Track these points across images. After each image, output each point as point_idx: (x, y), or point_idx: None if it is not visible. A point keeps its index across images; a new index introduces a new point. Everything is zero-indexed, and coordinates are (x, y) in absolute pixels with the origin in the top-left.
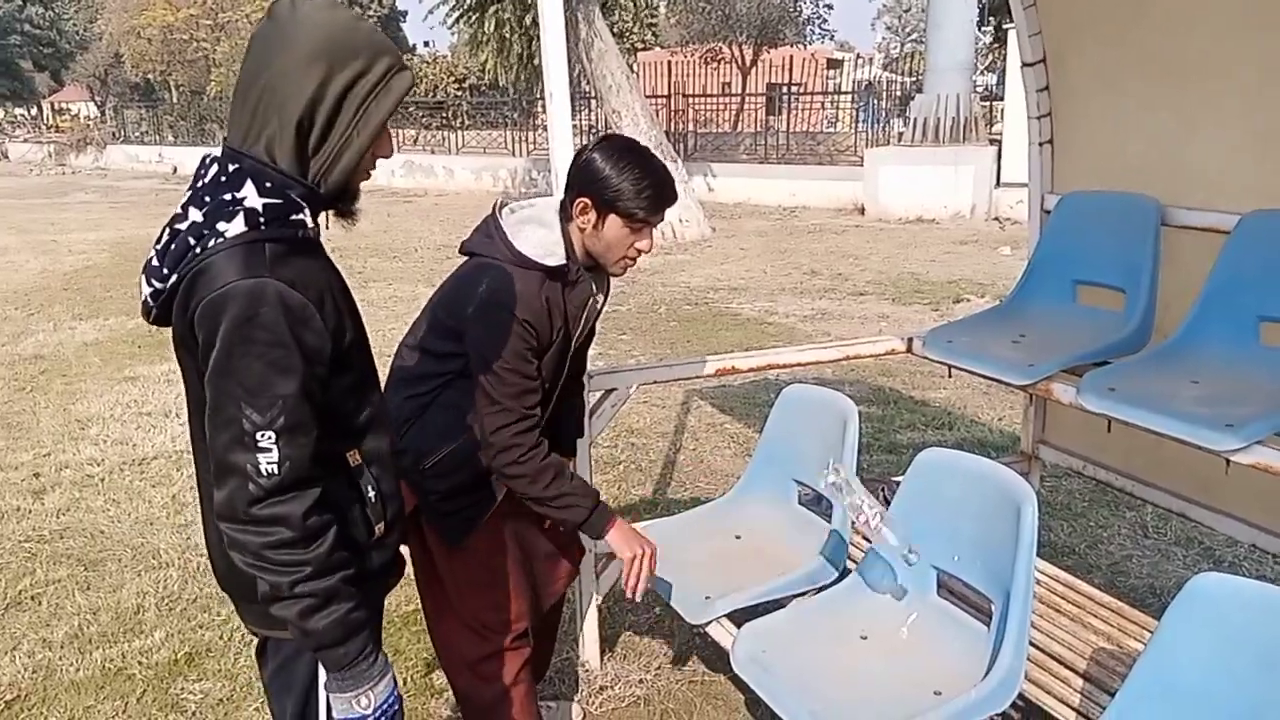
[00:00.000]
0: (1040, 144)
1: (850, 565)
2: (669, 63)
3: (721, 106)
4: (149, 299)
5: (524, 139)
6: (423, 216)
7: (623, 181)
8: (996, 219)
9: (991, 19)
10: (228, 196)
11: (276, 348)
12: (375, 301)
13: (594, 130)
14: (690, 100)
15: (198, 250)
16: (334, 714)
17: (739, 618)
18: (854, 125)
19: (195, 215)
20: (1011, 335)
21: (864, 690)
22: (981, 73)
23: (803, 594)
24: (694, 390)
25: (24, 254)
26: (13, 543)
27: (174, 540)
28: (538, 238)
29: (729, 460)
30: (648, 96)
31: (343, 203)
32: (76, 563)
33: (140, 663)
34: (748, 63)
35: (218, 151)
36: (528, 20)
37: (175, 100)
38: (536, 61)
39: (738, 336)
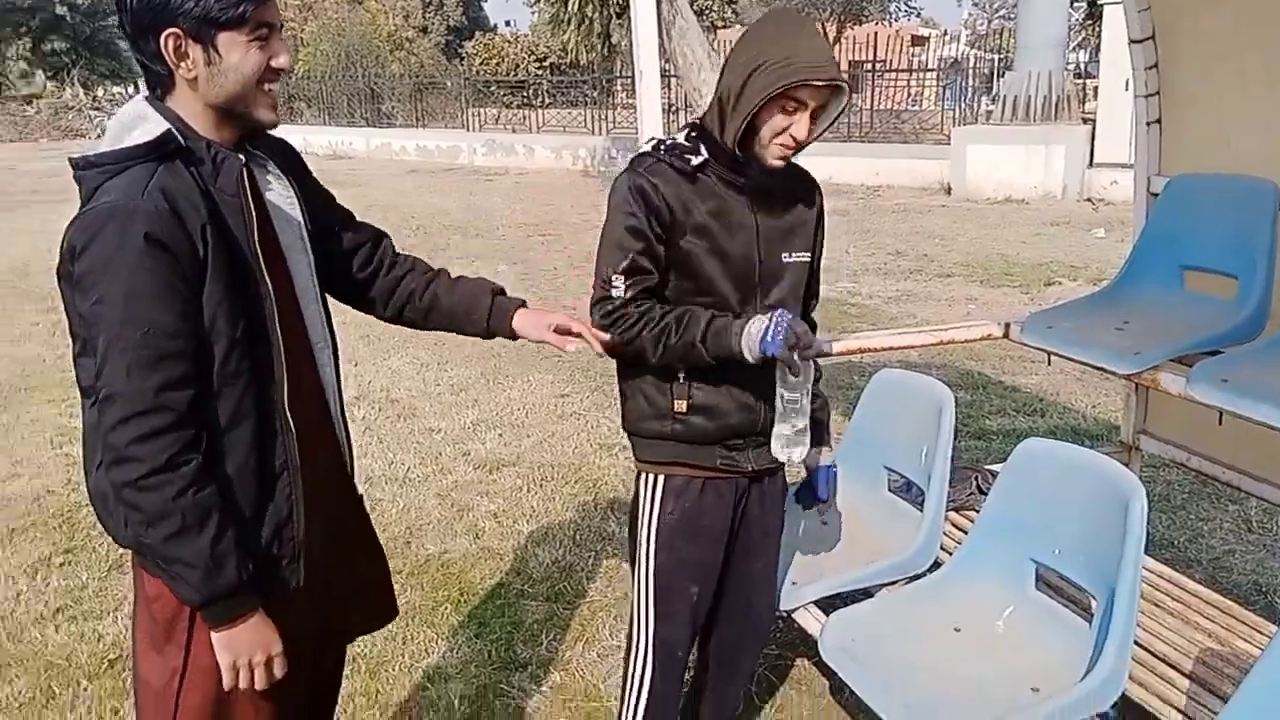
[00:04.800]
0: (1148, 124)
1: (943, 555)
2: None
3: None
4: None
5: (603, 117)
6: (504, 195)
7: None
8: (1089, 200)
9: None
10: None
11: None
12: None
13: (674, 109)
14: None
15: None
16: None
17: (825, 604)
18: (939, 103)
19: None
20: (1115, 322)
21: (958, 684)
22: (1074, 49)
23: (892, 583)
24: None
25: None
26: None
27: None
28: None
29: None
30: None
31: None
32: None
33: None
34: (831, 40)
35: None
36: None
37: None
38: (616, 40)
39: (818, 316)
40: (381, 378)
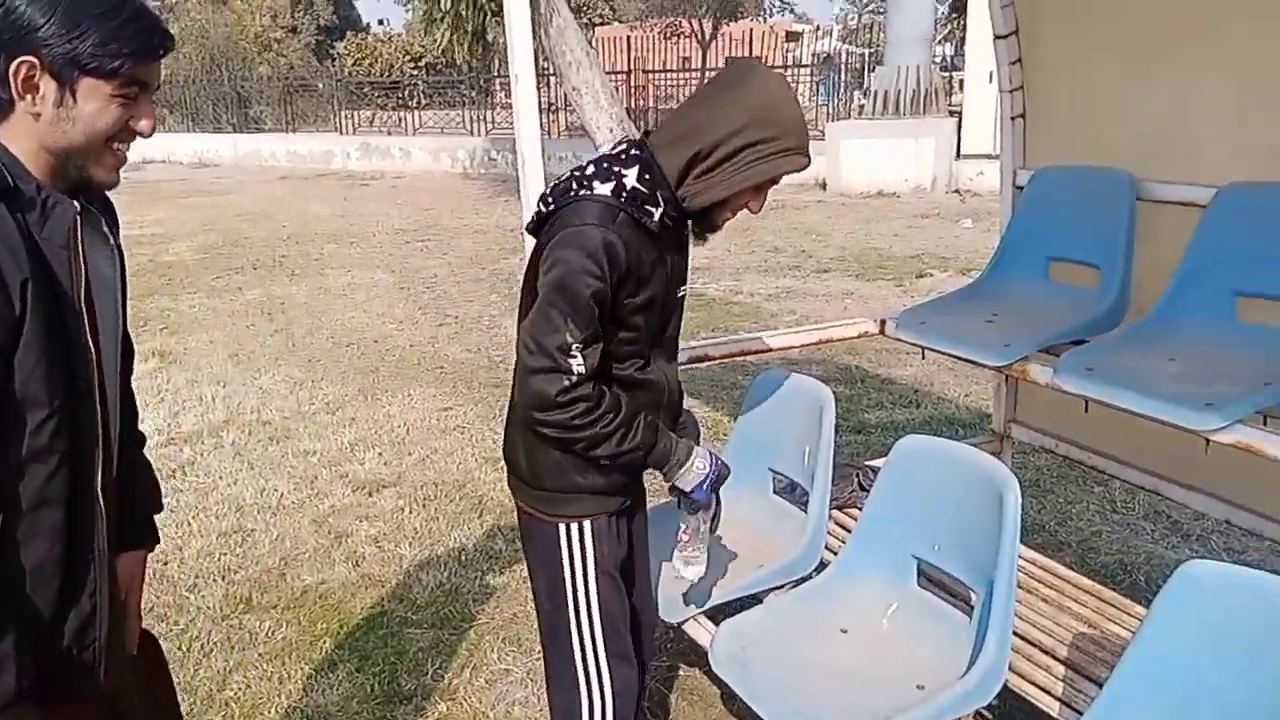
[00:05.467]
0: (1013, 118)
1: (828, 555)
2: (628, 38)
3: (682, 82)
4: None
5: (482, 118)
6: (380, 200)
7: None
8: (957, 191)
9: None
10: (615, 168)
11: None
12: (333, 290)
13: (553, 108)
14: (650, 76)
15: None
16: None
17: (714, 610)
18: (813, 98)
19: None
20: (985, 314)
21: (846, 686)
22: (939, 43)
23: (779, 587)
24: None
25: None
26: None
27: None
28: None
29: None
30: (607, 73)
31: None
32: None
33: None
34: (707, 37)
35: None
36: None
37: None
38: (491, 38)
39: (703, 317)
40: (252, 398)
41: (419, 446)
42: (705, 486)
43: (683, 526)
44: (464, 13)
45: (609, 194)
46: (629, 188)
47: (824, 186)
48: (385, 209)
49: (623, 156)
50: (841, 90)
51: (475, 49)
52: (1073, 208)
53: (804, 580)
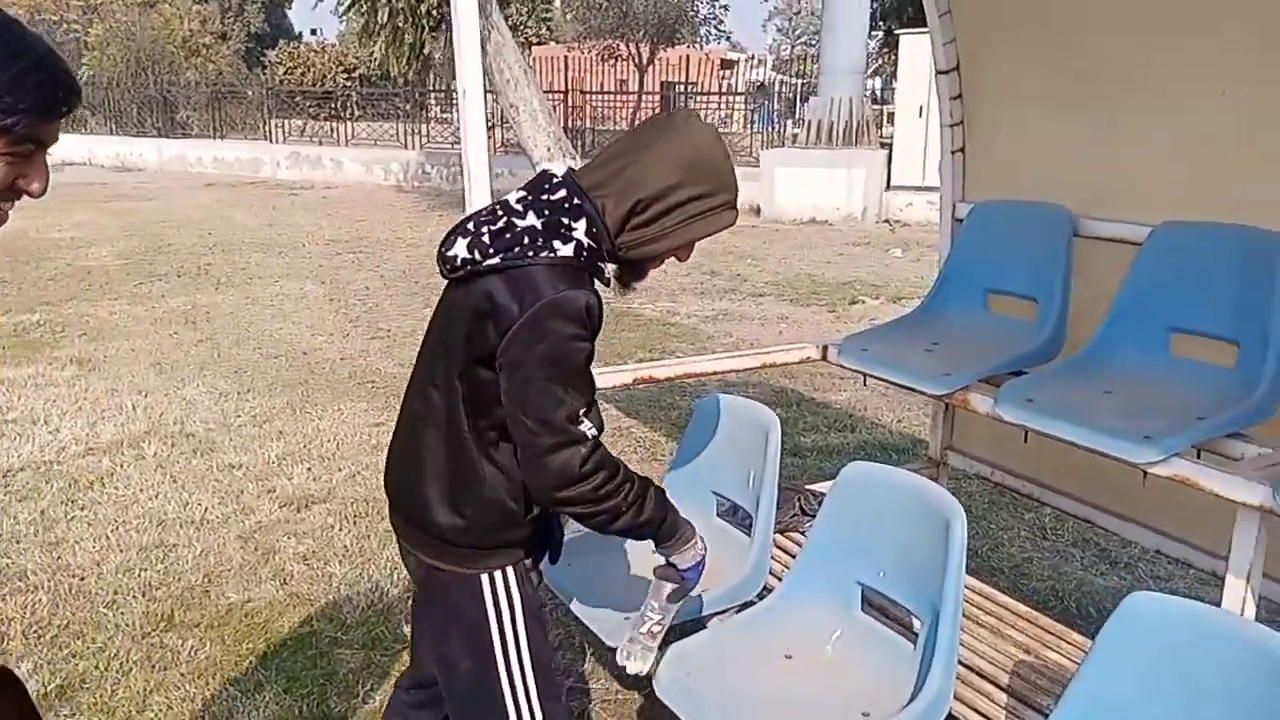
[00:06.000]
0: (953, 152)
1: (772, 581)
2: (565, 58)
3: (619, 104)
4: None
5: (416, 131)
6: (310, 210)
7: None
8: (887, 221)
9: (882, 23)
10: (565, 221)
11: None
12: (260, 300)
13: (491, 126)
14: (588, 97)
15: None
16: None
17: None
18: (748, 126)
19: (532, 221)
20: (925, 344)
21: (790, 713)
22: (870, 76)
23: (723, 611)
24: (599, 393)
25: None
26: None
27: (43, 560)
28: None
29: (637, 467)
30: (544, 92)
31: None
32: None
33: None
34: (644, 61)
35: (559, 172)
36: (422, 9)
37: None
38: (428, 51)
39: (640, 337)
40: (175, 409)
41: (349, 462)
42: (701, 567)
43: (654, 612)
44: (401, 26)
45: (572, 255)
46: (586, 246)
47: (758, 212)
48: (316, 220)
49: (566, 206)
50: (775, 119)
51: (413, 63)
52: (1011, 241)
53: (748, 605)
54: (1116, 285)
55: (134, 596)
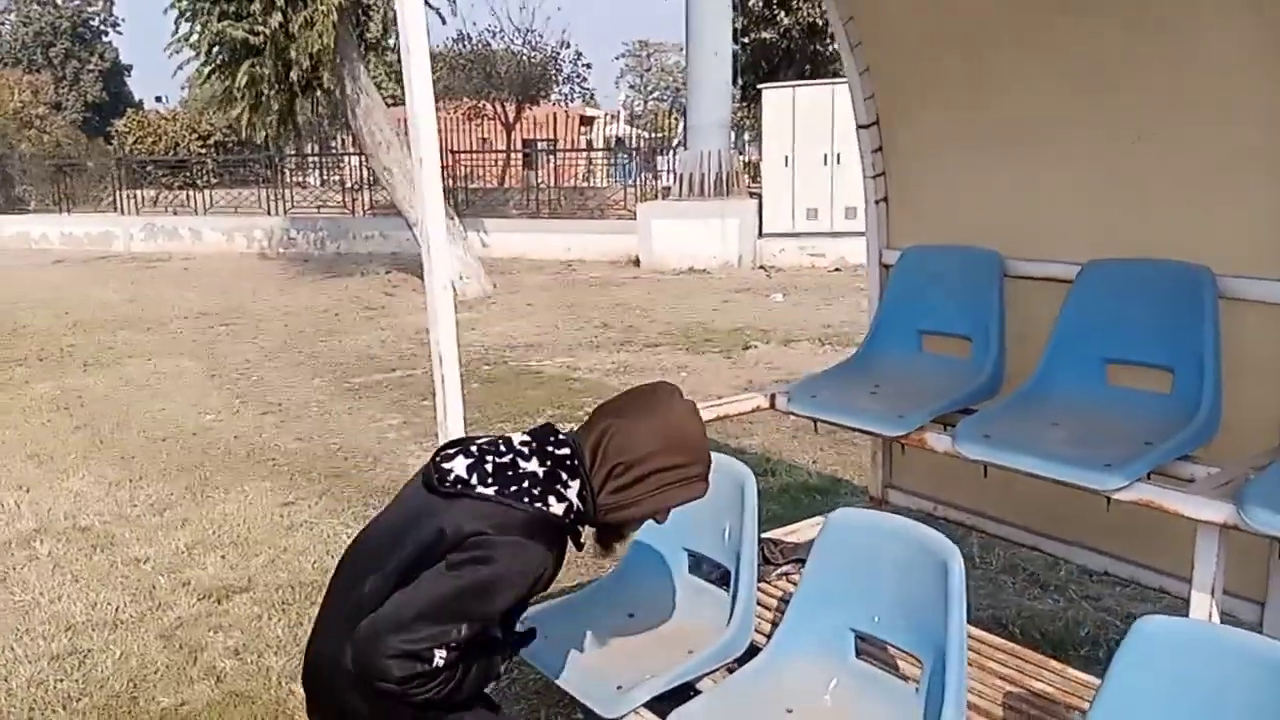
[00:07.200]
0: (876, 201)
1: (757, 636)
2: None
3: (489, 162)
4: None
5: (279, 196)
6: (172, 282)
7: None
8: (762, 267)
9: (741, 78)
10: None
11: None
12: (135, 380)
13: (356, 188)
14: (457, 156)
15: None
16: None
17: (652, 702)
18: (609, 179)
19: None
20: (868, 387)
21: None
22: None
23: (713, 671)
24: None
25: None
26: None
27: None
28: None
29: None
30: None
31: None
32: None
33: None
34: (511, 119)
35: (563, 431)
36: (293, 75)
37: None
38: (297, 117)
39: (545, 394)
40: (63, 503)
41: (265, 546)
42: None
43: None
44: (266, 92)
45: (561, 514)
46: (575, 509)
47: (638, 263)
48: (181, 292)
49: (567, 464)
50: (634, 172)
51: (283, 129)
52: (942, 283)
53: (739, 660)
54: (1049, 322)
55: (53, 711)
